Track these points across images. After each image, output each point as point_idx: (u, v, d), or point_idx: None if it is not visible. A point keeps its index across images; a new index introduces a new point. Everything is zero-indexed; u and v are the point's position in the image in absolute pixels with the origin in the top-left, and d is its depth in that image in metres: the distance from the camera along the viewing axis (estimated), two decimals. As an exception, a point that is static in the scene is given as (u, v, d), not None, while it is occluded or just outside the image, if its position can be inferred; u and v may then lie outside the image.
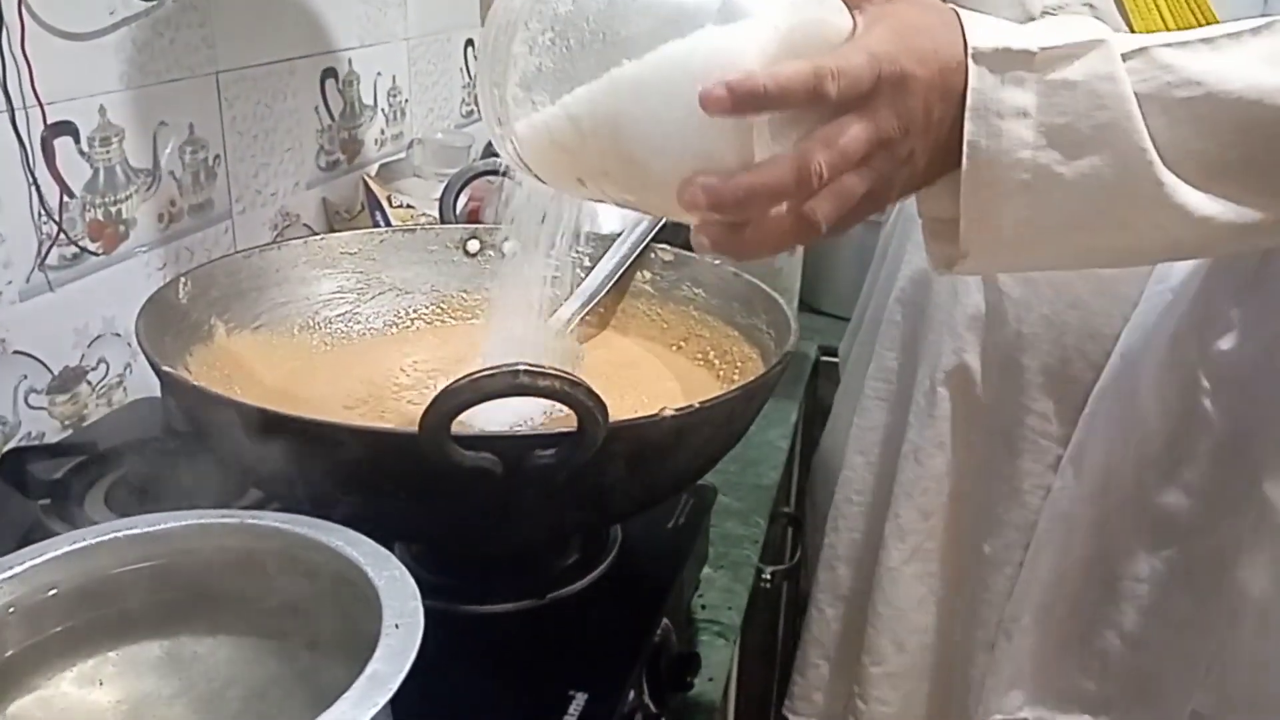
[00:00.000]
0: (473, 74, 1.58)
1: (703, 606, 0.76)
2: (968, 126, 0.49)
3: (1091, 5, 0.77)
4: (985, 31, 0.49)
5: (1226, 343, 0.74)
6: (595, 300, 0.80)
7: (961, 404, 0.90)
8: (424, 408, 0.48)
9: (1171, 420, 0.78)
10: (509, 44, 0.49)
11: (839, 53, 0.47)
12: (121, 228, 0.89)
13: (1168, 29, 0.75)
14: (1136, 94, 0.49)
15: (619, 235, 0.82)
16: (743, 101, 0.44)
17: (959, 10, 0.50)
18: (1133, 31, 0.75)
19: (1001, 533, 0.91)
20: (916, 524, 0.94)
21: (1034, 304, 0.85)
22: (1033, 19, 0.77)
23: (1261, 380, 0.73)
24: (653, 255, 0.82)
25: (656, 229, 0.81)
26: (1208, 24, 0.73)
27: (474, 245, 0.83)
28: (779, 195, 0.46)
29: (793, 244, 0.49)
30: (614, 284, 0.81)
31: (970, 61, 0.48)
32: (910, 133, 0.48)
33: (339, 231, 1.00)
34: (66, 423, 0.86)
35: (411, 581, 0.44)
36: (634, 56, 0.47)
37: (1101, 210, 0.51)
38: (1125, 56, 0.49)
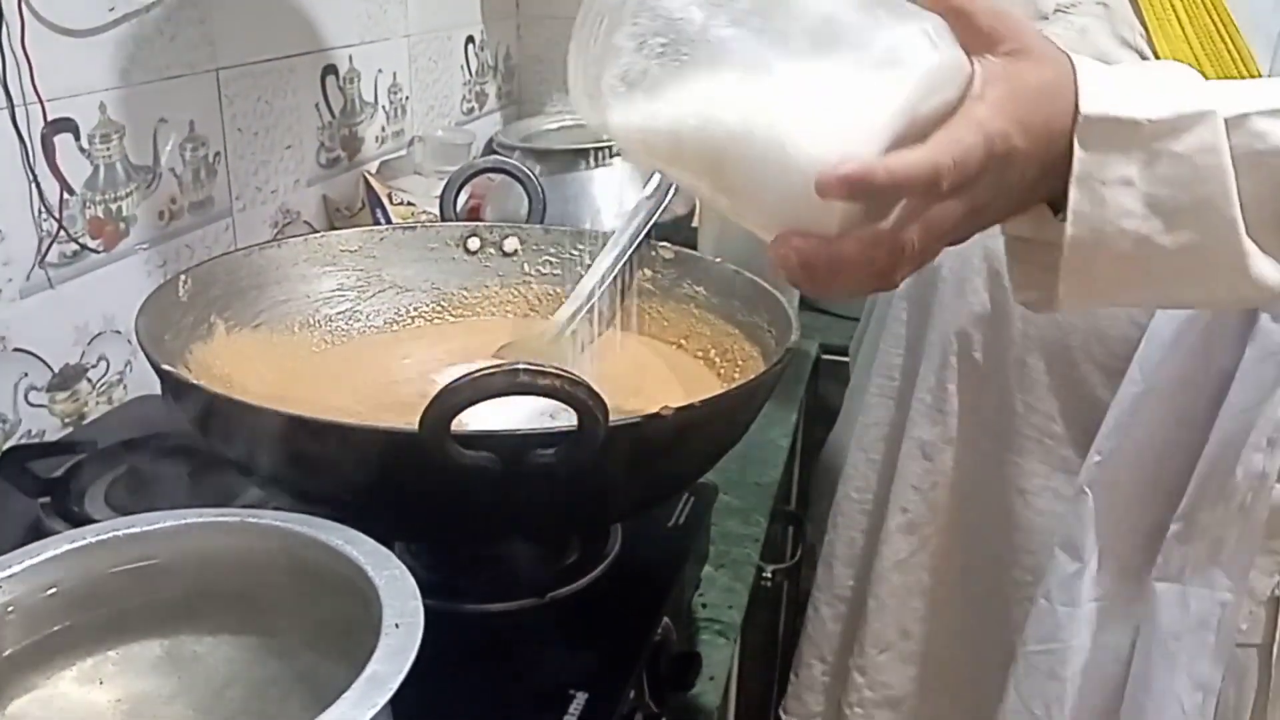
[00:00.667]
0: (474, 71, 1.58)
1: (703, 605, 0.76)
2: (1073, 194, 0.49)
3: (1105, 4, 0.77)
4: (1096, 91, 0.49)
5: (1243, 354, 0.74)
6: (594, 299, 0.80)
7: (966, 403, 0.90)
8: (424, 406, 0.48)
9: (1184, 435, 0.77)
10: (610, 33, 0.48)
11: (957, 135, 0.46)
12: (122, 225, 0.89)
13: (1183, 29, 0.74)
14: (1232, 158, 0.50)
15: (615, 231, 0.81)
16: (858, 192, 0.44)
17: (1074, 60, 0.50)
18: (1146, 31, 0.75)
19: (1009, 532, 0.90)
20: (917, 523, 0.93)
21: None
22: (1045, 18, 0.77)
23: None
24: (654, 253, 0.81)
25: (652, 223, 0.81)
26: (1223, 23, 0.73)
27: (474, 243, 0.83)
28: (869, 266, 0.47)
29: (863, 295, 0.50)
30: (613, 280, 0.80)
31: (1076, 141, 0.49)
32: (998, 198, 0.49)
33: (339, 229, 1.00)
34: (67, 420, 0.86)
35: (412, 581, 0.44)
36: (753, 83, 0.46)
37: (1186, 276, 0.52)
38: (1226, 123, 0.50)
